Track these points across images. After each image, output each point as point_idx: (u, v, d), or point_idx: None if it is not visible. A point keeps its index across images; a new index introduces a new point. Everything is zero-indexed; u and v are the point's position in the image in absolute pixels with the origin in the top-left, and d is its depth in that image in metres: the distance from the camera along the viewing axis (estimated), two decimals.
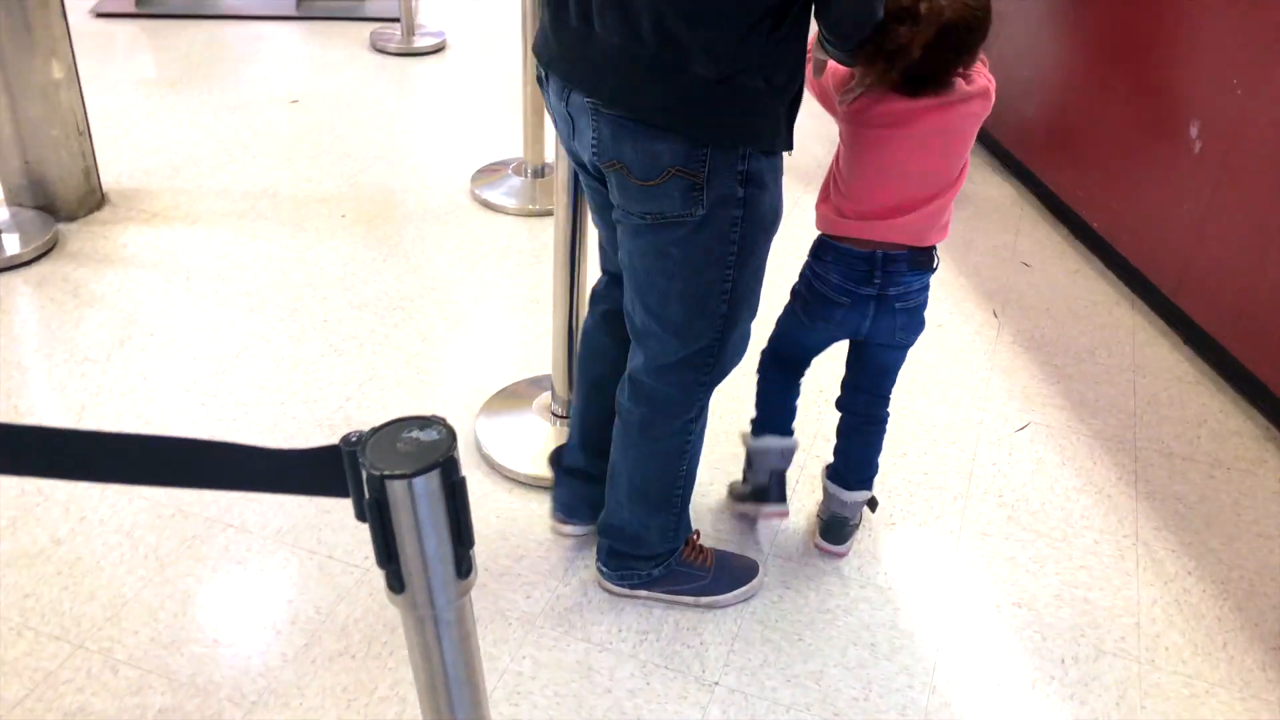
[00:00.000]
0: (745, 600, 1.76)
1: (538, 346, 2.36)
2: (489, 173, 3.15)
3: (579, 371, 1.80)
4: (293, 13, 4.32)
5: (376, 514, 0.76)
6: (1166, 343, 2.53)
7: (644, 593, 1.74)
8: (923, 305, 1.67)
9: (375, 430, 0.77)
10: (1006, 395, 2.32)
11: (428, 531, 0.77)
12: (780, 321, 1.78)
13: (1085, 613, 1.76)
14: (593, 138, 1.35)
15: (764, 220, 1.41)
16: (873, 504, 1.88)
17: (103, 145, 2.97)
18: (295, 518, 1.85)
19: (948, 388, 2.33)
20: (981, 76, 1.52)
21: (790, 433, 1.85)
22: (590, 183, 1.53)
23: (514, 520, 1.88)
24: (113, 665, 1.57)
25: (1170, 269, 2.55)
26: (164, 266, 2.59)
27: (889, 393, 1.79)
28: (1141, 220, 2.65)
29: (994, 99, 1.52)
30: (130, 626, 1.64)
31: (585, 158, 1.41)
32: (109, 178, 2.94)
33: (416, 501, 0.75)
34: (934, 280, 1.66)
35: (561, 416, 2.08)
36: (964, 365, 2.41)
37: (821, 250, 1.64)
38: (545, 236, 2.80)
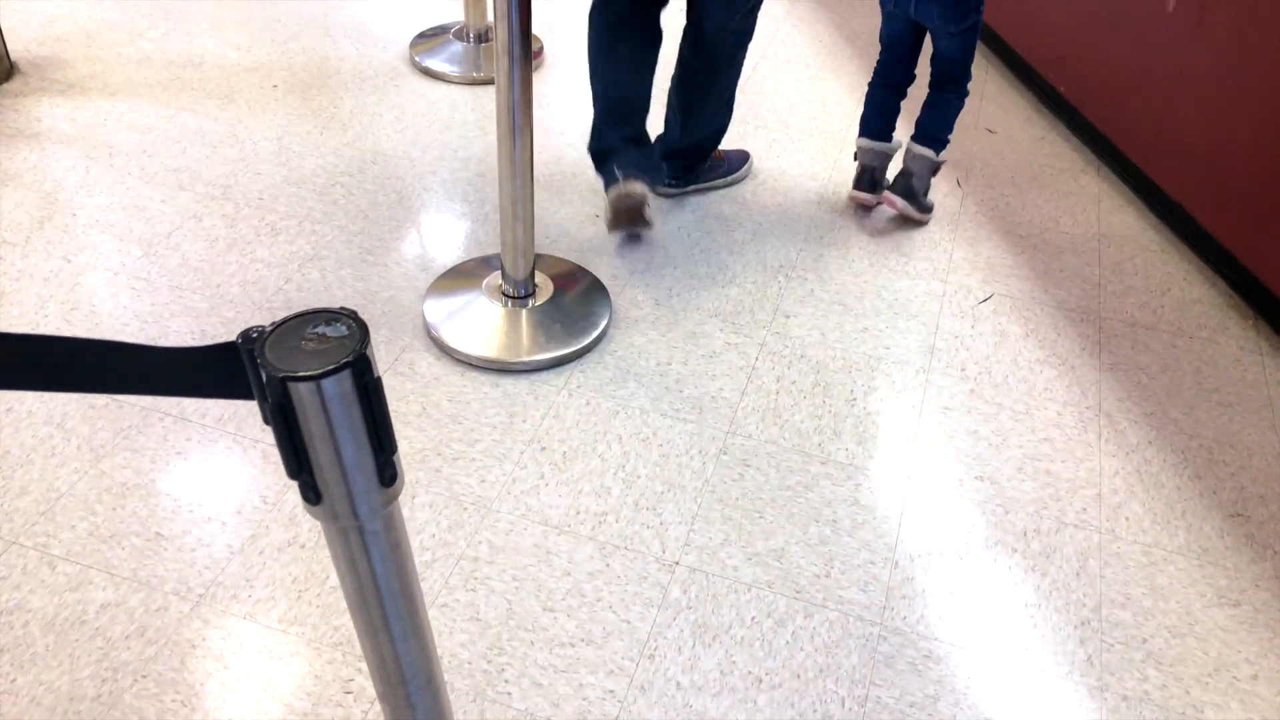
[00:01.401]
0: (751, 174, 2.50)
1: (486, 224, 2.26)
2: (429, 38, 2.97)
3: (613, 80, 2.20)
4: None
5: (281, 420, 0.67)
6: (1133, 210, 2.48)
7: (696, 186, 2.43)
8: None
9: (276, 326, 0.68)
10: (970, 266, 2.26)
11: (343, 438, 0.69)
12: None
13: (1048, 485, 1.75)
14: None
15: None
16: (936, 169, 2.31)
17: (8, 9, 2.75)
18: (237, 405, 1.76)
19: (910, 260, 2.27)
20: None
21: (887, 139, 2.34)
22: None
23: (467, 404, 1.81)
24: (50, 561, 1.51)
25: (1140, 135, 2.48)
26: (83, 141, 2.42)
27: (956, 74, 2.21)
28: (1111, 85, 2.57)
29: None
30: (66, 521, 1.57)
31: None
32: (16, 46, 2.73)
33: (328, 405, 0.67)
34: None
35: (513, 297, 2.00)
36: (926, 236, 2.35)
37: None
38: (491, 106, 2.66)
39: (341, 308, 0.73)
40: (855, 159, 2.38)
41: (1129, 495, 1.74)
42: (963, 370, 1.98)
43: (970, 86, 2.25)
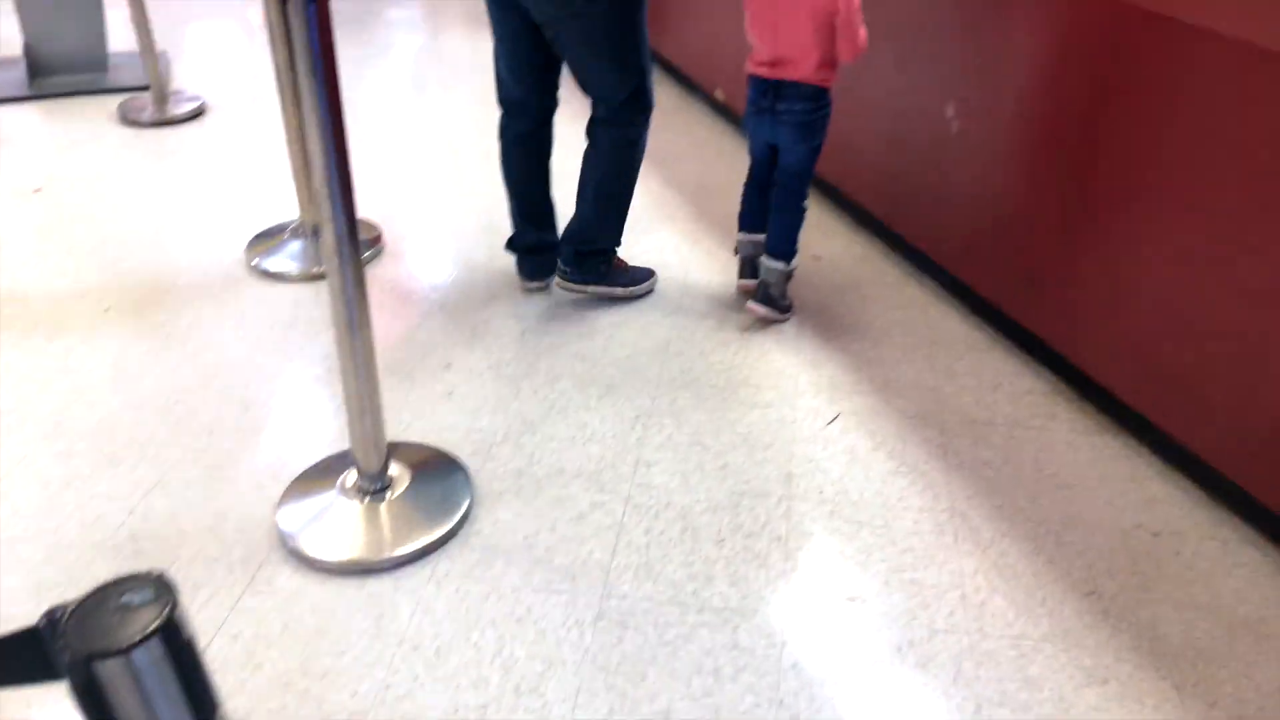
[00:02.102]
0: (650, 293, 2.71)
1: (338, 419, 2.25)
2: (266, 239, 3.00)
3: (506, 176, 2.61)
4: (24, 92, 4.00)
5: (90, 702, 0.66)
6: (956, 314, 2.63)
7: (592, 288, 2.64)
8: (807, 123, 2.38)
9: (80, 602, 0.68)
10: (815, 389, 2.35)
11: (160, 708, 0.67)
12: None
13: (915, 594, 1.79)
14: None
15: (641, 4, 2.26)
16: (789, 277, 2.56)
17: None
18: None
19: (758, 390, 2.35)
20: None
21: (762, 231, 2.57)
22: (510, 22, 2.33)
23: (332, 613, 1.76)
24: None
25: (950, 245, 2.66)
26: None
27: (797, 187, 2.48)
28: (916, 202, 2.75)
29: None
30: None
31: None
32: None
33: (139, 677, 0.65)
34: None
35: (370, 492, 1.98)
36: (771, 366, 2.43)
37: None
38: None
39: (149, 570, 0.72)
40: (736, 253, 2.69)
41: (991, 591, 1.80)
42: (821, 493, 2.04)
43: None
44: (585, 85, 2.41)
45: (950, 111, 2.53)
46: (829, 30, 2.28)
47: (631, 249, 2.82)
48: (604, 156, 2.52)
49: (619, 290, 2.68)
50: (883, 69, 2.72)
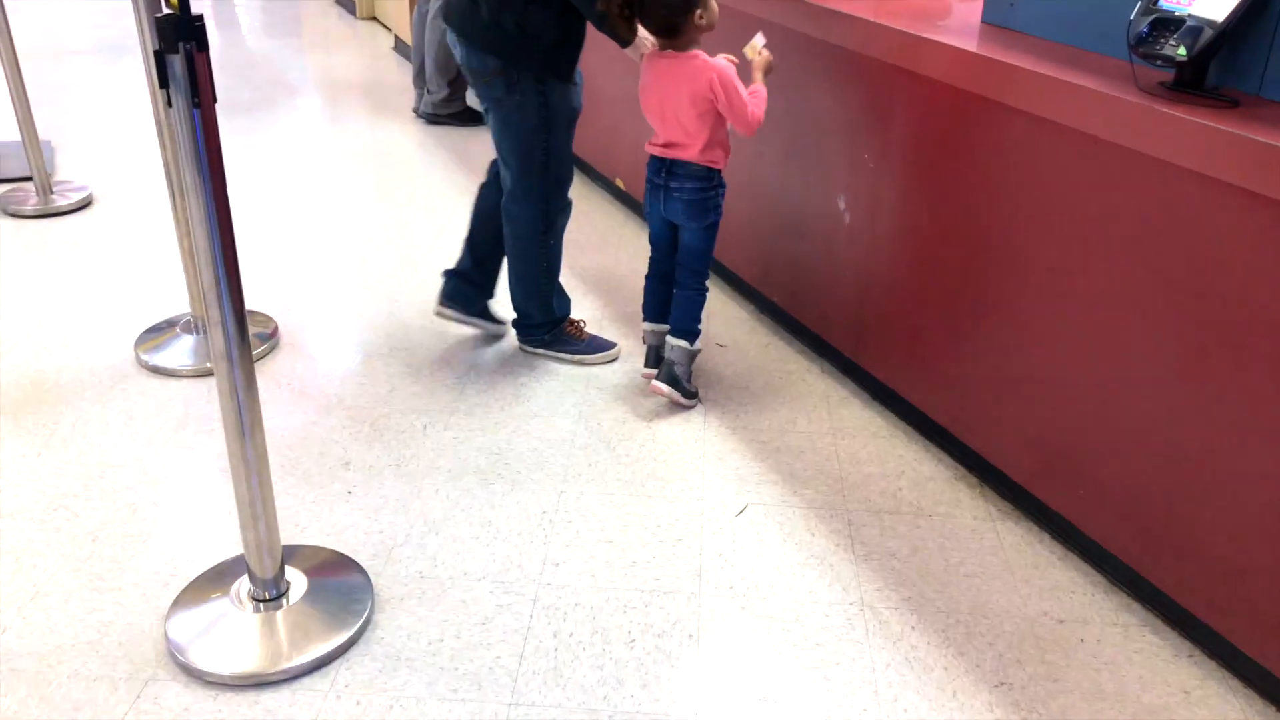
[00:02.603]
0: (605, 363, 2.79)
1: (231, 520, 2.15)
2: (155, 334, 2.90)
3: (475, 209, 2.82)
4: None
5: None
6: (858, 401, 2.68)
7: (542, 351, 2.83)
8: (699, 200, 2.48)
9: None
10: (723, 480, 2.35)
11: None
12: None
13: (828, 692, 1.78)
14: (471, 62, 2.48)
15: (563, 110, 2.51)
16: (693, 357, 2.64)
17: None
18: None
19: (666, 484, 2.34)
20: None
21: (664, 320, 2.66)
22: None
23: None
24: None
25: (845, 332, 2.72)
26: None
27: (698, 267, 2.58)
28: (813, 290, 2.82)
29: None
30: None
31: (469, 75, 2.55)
32: None
33: None
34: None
35: (265, 600, 1.89)
36: (678, 457, 2.43)
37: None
38: None
39: None
40: (644, 340, 2.74)
41: (903, 686, 1.80)
42: (731, 588, 2.02)
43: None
44: (501, 163, 2.64)
45: (842, 203, 2.61)
46: (714, 115, 2.39)
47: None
48: (512, 245, 2.71)
49: (567, 357, 2.83)
50: (777, 160, 2.80)
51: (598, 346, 2.86)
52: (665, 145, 2.48)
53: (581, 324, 2.90)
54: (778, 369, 2.83)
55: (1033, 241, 2.07)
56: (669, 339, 2.62)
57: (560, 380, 2.75)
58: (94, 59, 5.85)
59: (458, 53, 2.53)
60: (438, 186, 4.09)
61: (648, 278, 2.70)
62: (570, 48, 2.48)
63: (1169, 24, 1.81)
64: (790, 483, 2.35)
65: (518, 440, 2.49)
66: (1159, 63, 1.81)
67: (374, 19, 6.83)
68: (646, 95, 2.47)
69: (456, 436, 2.49)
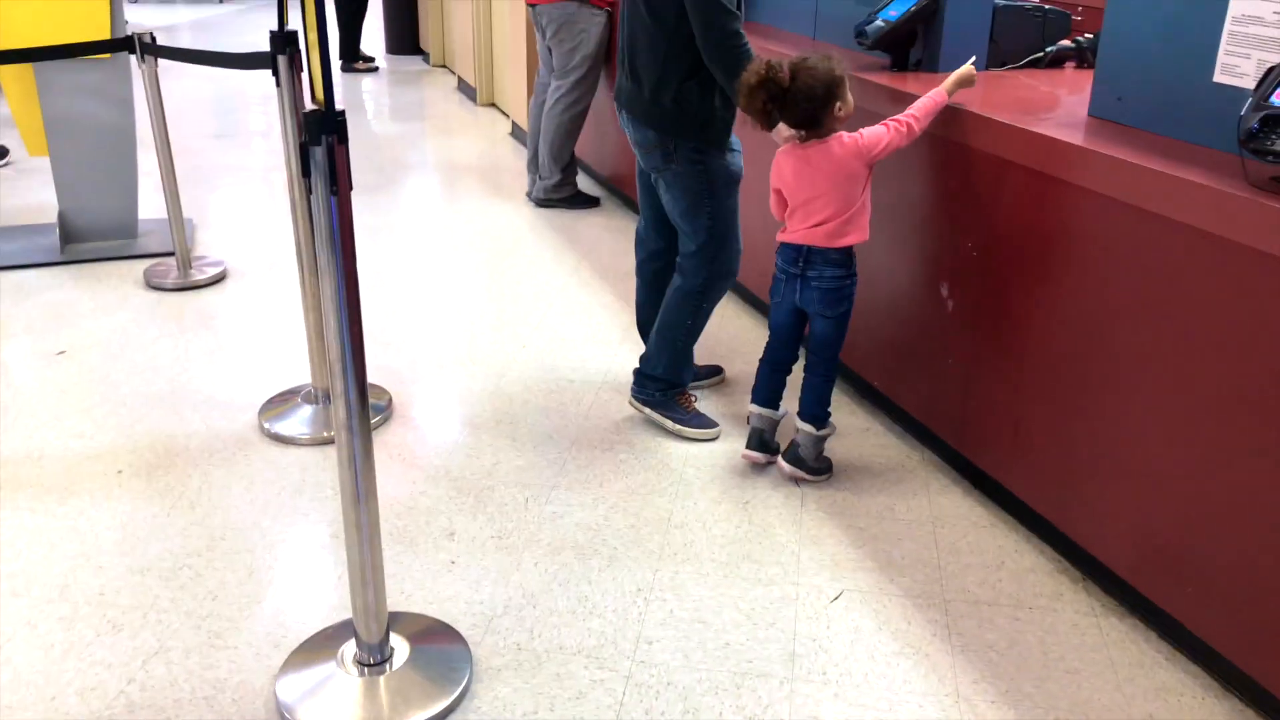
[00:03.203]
0: (703, 440, 2.87)
1: (341, 586, 2.25)
2: (278, 403, 3.06)
3: (636, 299, 3.14)
4: (57, 258, 4.15)
5: None
6: (958, 490, 2.65)
7: (648, 410, 2.95)
8: (835, 289, 2.55)
9: None
10: (817, 565, 2.35)
11: None
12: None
13: None
14: (635, 136, 2.79)
15: (720, 174, 2.74)
16: (821, 442, 2.67)
17: None
18: None
19: (761, 566, 2.35)
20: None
21: (774, 408, 2.73)
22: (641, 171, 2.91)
23: None
24: None
25: (947, 418, 2.70)
26: None
27: (828, 355, 2.63)
28: (915, 376, 2.82)
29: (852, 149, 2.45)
30: None
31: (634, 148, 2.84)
32: None
33: None
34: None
35: (369, 664, 1.97)
36: (773, 540, 2.44)
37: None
38: None
39: None
40: (748, 422, 2.76)
41: None
42: (824, 674, 2.01)
43: (791, 390, 2.53)
44: (677, 227, 2.87)
45: (945, 290, 2.62)
46: (863, 181, 2.50)
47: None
48: (670, 295, 2.89)
49: (668, 423, 2.93)
50: (882, 245, 2.83)
51: (702, 423, 2.92)
52: (806, 228, 2.52)
53: (693, 397, 3.00)
54: (877, 454, 2.83)
55: (1138, 333, 2.05)
56: (797, 422, 2.66)
57: (659, 458, 2.80)
58: (234, 142, 6.26)
59: (626, 129, 2.81)
60: (546, 266, 4.23)
61: (762, 363, 2.74)
62: (724, 118, 2.69)
63: None
64: (887, 570, 2.34)
65: (615, 517, 2.54)
66: (1270, 158, 1.80)
67: (493, 105, 7.15)
68: (788, 187, 2.54)
69: (556, 511, 2.56)
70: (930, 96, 2.46)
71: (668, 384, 2.93)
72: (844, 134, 2.46)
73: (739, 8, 2.56)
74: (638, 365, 2.98)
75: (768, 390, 2.73)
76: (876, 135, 2.44)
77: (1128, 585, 2.16)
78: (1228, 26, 2.03)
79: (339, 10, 8.23)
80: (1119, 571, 2.18)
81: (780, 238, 2.60)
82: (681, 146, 2.69)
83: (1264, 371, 1.80)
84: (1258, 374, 1.82)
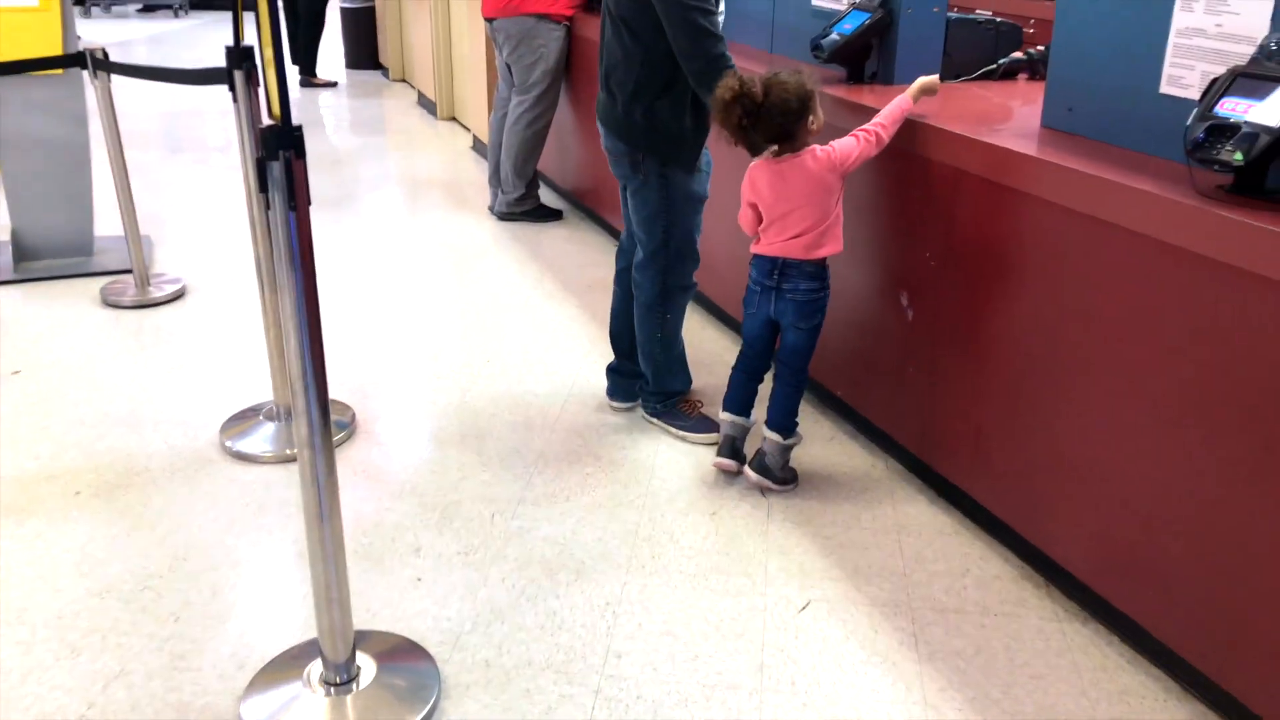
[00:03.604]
0: (706, 445, 2.88)
1: (306, 605, 2.23)
2: (240, 420, 3.02)
3: (612, 307, 3.12)
4: (10, 276, 4.07)
5: None
6: (923, 498, 2.68)
7: (654, 420, 3.01)
8: (810, 301, 2.57)
9: None
10: (785, 575, 2.36)
11: None
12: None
13: None
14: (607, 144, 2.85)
15: (682, 192, 2.79)
16: (787, 451, 2.69)
17: None
18: None
19: (729, 577, 2.35)
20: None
21: (745, 415, 2.75)
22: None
23: None
24: None
25: (910, 427, 2.73)
26: None
27: (798, 364, 2.65)
28: (878, 385, 2.85)
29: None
30: None
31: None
32: None
33: None
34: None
35: (336, 684, 1.95)
36: (741, 551, 2.45)
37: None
38: None
39: None
40: (720, 430, 2.78)
41: None
42: (793, 684, 2.02)
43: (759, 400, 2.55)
44: (635, 234, 2.92)
45: (904, 300, 2.65)
46: (837, 192, 2.52)
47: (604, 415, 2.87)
48: (635, 311, 2.97)
49: (673, 430, 2.98)
50: (842, 256, 2.86)
51: (704, 427, 2.95)
52: (781, 241, 2.53)
53: (697, 402, 3.03)
54: (842, 463, 2.85)
55: (1094, 340, 2.09)
56: (765, 430, 2.67)
57: (626, 470, 2.80)
58: (191, 158, 6.19)
59: (602, 137, 2.87)
60: (510, 279, 4.23)
61: (735, 370, 2.76)
62: (693, 139, 2.75)
63: (1225, 130, 1.84)
64: (854, 579, 2.35)
65: (583, 530, 2.53)
66: (1216, 167, 1.85)
67: (454, 119, 7.13)
68: (763, 201, 2.55)
69: (523, 525, 2.55)
70: (896, 104, 2.49)
71: (664, 394, 2.98)
72: (816, 147, 2.49)
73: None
74: (639, 383, 3.08)
75: (740, 398, 2.75)
76: (848, 147, 2.48)
77: (1090, 590, 2.19)
78: (1172, 39, 2.08)
79: (296, 25, 8.19)
80: (1081, 576, 2.21)
81: (755, 249, 2.62)
82: (649, 160, 2.75)
83: (1217, 376, 1.84)
84: (1211, 379, 1.85)
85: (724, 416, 2.76)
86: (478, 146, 6.20)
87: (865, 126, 2.49)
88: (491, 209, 5.04)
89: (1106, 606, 2.16)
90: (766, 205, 2.56)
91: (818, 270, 2.56)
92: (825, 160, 2.47)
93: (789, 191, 2.51)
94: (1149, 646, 2.07)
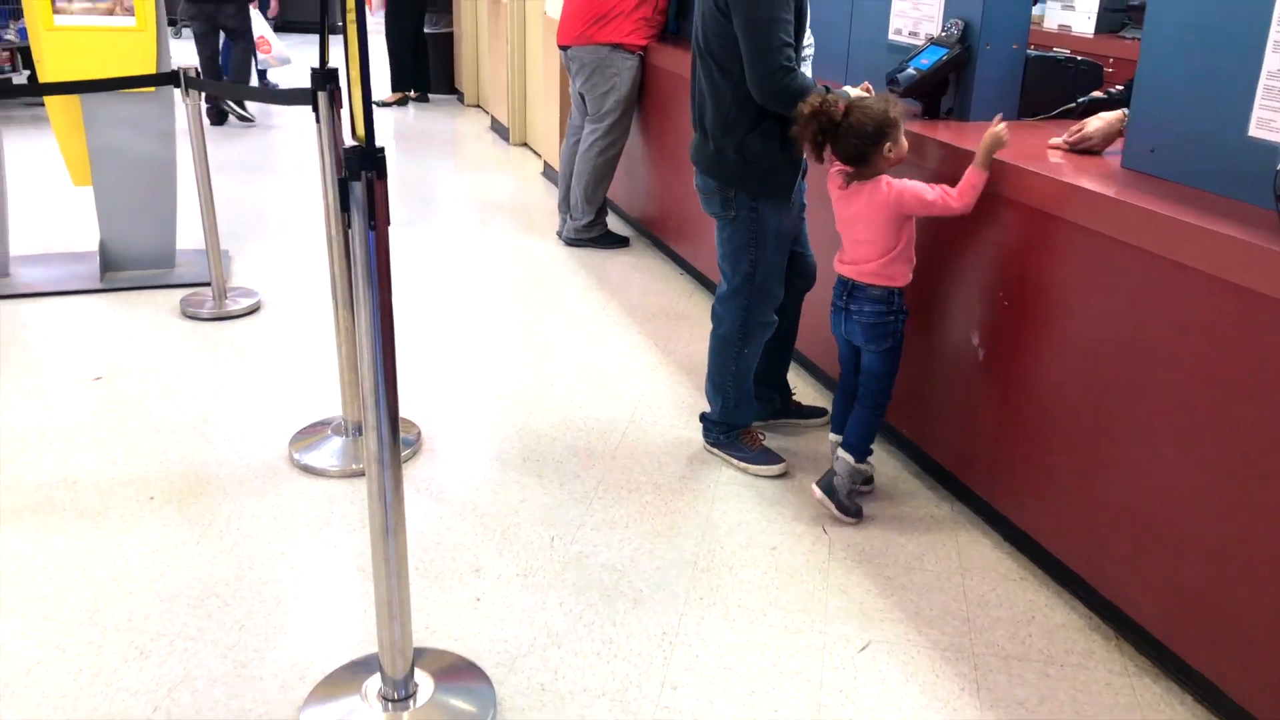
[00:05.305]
0: (768, 477, 2.88)
1: (366, 620, 2.25)
2: (308, 434, 3.08)
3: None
4: (96, 285, 4.22)
5: None
6: (988, 541, 2.62)
7: (717, 452, 3.01)
8: (878, 324, 2.58)
9: None
10: (845, 614, 2.33)
11: None
12: None
13: None
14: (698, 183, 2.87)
15: (772, 228, 2.78)
16: (867, 479, 2.74)
17: None
18: None
19: (788, 614, 2.33)
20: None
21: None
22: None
23: None
24: None
25: (978, 469, 2.68)
26: None
27: (876, 388, 2.64)
28: (945, 425, 2.80)
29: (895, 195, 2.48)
30: None
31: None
32: None
33: None
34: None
35: (393, 700, 1.96)
36: (800, 587, 2.42)
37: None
38: None
39: None
40: (832, 452, 2.75)
41: None
42: None
43: (824, 435, 2.51)
44: (720, 269, 2.93)
45: (976, 339, 2.61)
46: (898, 225, 2.53)
47: (670, 444, 2.86)
48: (711, 342, 2.97)
49: (734, 461, 2.97)
50: (912, 293, 2.83)
51: (767, 459, 2.94)
52: (850, 263, 2.59)
53: (761, 435, 3.02)
54: (906, 502, 2.81)
55: (1171, 387, 2.04)
56: (839, 451, 2.67)
57: (685, 499, 2.79)
58: (272, 176, 6.35)
59: (695, 178, 2.88)
60: (575, 304, 4.26)
61: (837, 392, 2.80)
62: (785, 172, 2.75)
63: None
64: (915, 621, 2.31)
65: (641, 559, 2.53)
66: None
67: (525, 144, 7.23)
68: (835, 209, 2.62)
69: (582, 551, 2.55)
70: (967, 180, 2.44)
71: (728, 426, 2.98)
72: (889, 179, 2.49)
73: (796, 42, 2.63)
74: (703, 412, 3.07)
75: (843, 418, 2.74)
76: (916, 191, 2.47)
77: (1162, 645, 2.13)
78: (1263, 81, 2.03)
79: (403, 48, 8.47)
80: (1152, 630, 2.15)
81: (835, 266, 2.65)
82: (740, 195, 2.76)
83: None
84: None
85: (831, 437, 2.80)
86: (548, 172, 6.27)
87: (946, 187, 2.47)
88: (560, 234, 5.09)
89: (1179, 663, 2.09)
90: (836, 216, 2.60)
91: (884, 294, 2.56)
92: (891, 194, 2.48)
93: (854, 212, 2.55)
94: (1225, 708, 2.00)
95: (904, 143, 2.49)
